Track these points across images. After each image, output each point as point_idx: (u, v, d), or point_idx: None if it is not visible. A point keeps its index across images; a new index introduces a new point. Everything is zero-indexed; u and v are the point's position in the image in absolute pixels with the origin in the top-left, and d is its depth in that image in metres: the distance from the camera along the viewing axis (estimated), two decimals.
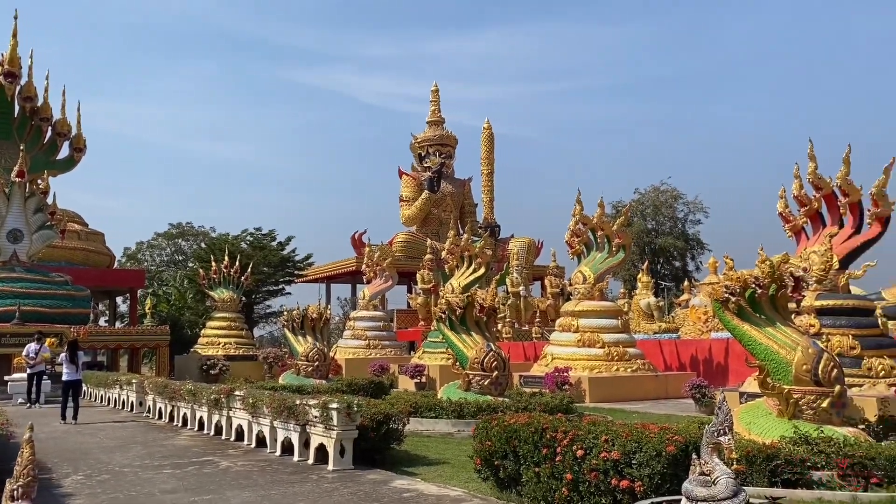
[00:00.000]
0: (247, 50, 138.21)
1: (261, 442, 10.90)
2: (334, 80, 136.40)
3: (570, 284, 22.58)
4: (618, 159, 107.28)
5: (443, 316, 14.75)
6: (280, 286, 40.37)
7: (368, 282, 32.37)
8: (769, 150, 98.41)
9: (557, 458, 6.18)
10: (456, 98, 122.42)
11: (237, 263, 29.70)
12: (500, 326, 30.06)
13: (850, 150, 14.49)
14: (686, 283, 33.54)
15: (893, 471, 6.76)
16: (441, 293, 20.46)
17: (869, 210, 14.33)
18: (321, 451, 9.31)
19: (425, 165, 42.95)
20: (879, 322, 14.66)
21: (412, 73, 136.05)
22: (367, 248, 33.79)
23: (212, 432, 12.47)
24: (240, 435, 11.55)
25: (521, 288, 33.02)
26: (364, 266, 32.86)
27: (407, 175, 43.33)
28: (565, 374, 17.95)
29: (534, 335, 30.46)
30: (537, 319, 32.08)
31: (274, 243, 38.65)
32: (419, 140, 43.46)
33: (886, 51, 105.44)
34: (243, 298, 31.39)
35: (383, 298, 35.90)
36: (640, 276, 30.62)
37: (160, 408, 15.27)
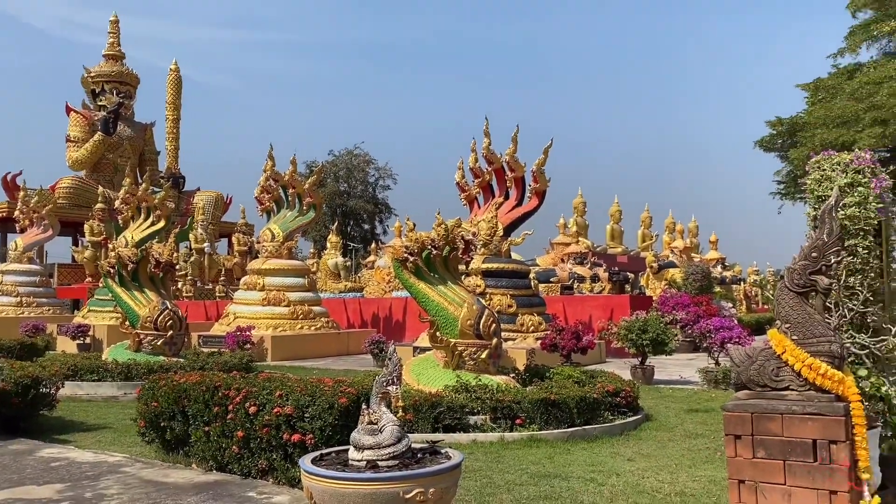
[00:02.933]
0: None
1: None
2: None
3: (259, 242, 22.08)
4: (315, 119, 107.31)
5: (111, 271, 13.44)
6: None
7: (23, 231, 28.26)
8: (454, 125, 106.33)
9: (230, 416, 5.95)
10: (144, 35, 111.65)
11: None
12: (181, 284, 28.46)
13: (518, 130, 16.15)
14: (373, 245, 34.94)
15: (534, 412, 7.71)
16: (112, 246, 18.61)
17: (530, 185, 16.16)
18: None
19: (99, 104, 38.35)
20: (532, 284, 16.73)
21: None
22: (22, 193, 29.31)
23: None
24: None
25: (205, 244, 31.48)
26: (18, 213, 28.55)
27: (77, 112, 38.30)
28: (247, 332, 17.59)
29: (218, 294, 29.34)
30: (222, 278, 30.92)
31: None
32: (93, 74, 38.56)
33: (569, 52, 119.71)
34: None
35: (41, 250, 31.79)
36: (329, 236, 31.11)
37: None
